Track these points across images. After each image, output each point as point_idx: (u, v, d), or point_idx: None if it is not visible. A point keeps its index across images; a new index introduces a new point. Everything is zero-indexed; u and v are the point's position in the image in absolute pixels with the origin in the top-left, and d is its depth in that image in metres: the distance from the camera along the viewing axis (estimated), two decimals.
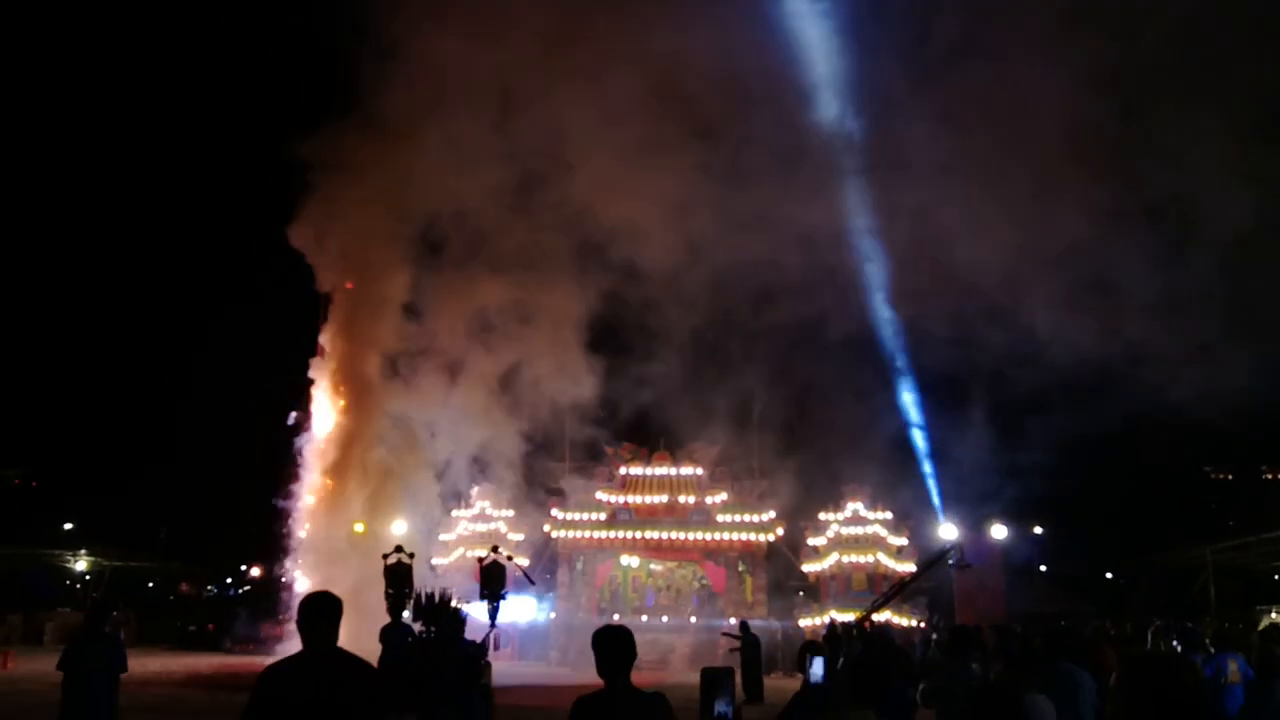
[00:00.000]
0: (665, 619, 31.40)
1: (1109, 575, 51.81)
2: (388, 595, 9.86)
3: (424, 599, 9.00)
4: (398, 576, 9.97)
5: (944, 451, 30.41)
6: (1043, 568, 46.47)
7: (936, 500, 30.70)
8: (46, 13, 63.62)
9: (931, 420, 31.27)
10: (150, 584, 45.71)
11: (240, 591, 48.92)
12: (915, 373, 31.34)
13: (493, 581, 9.85)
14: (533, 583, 10.46)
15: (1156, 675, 3.34)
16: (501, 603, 9.90)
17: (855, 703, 5.16)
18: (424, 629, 8.55)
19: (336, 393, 31.70)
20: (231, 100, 71.52)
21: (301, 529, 31.24)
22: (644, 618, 30.77)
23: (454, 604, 8.64)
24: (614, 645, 4.66)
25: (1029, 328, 29.73)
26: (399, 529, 31.32)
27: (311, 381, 32.37)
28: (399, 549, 10.16)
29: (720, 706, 5.05)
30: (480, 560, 10.24)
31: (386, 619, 9.86)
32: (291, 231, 30.77)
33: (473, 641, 8.12)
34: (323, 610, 4.57)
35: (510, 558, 10.87)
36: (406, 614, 9.85)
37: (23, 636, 33.74)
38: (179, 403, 52.55)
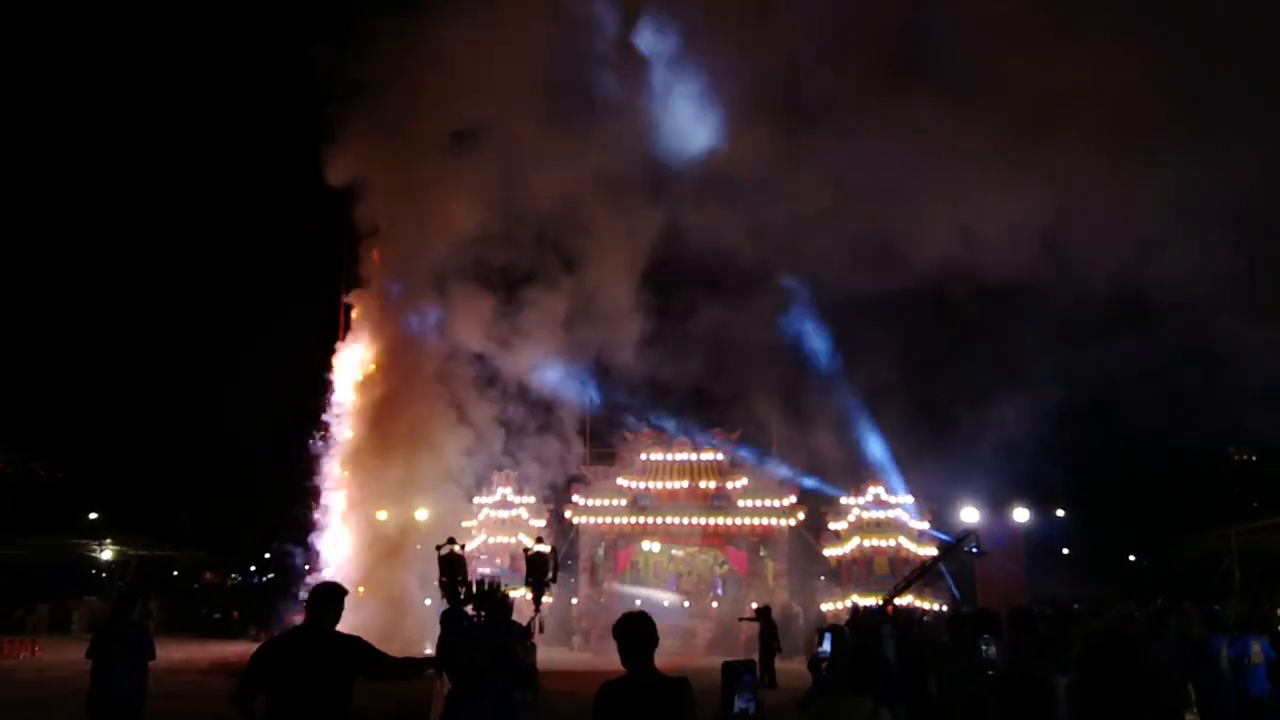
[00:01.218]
0: (687, 604, 31.50)
1: (1131, 558, 51.50)
2: (442, 583, 10.60)
3: (475, 586, 9.93)
4: (451, 565, 10.75)
5: (967, 433, 30.18)
6: (1065, 550, 46.21)
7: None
8: None
9: (953, 402, 31.05)
10: (175, 572, 46.14)
11: (264, 579, 49.31)
12: (938, 355, 31.13)
13: (538, 570, 10.90)
14: (554, 580, 11.42)
15: (1113, 653, 3.30)
16: (545, 589, 10.93)
17: (854, 690, 5.08)
18: (476, 613, 9.33)
19: (375, 334, 30.32)
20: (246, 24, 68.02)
21: (329, 511, 31.04)
22: (666, 603, 30.89)
23: (502, 589, 9.49)
24: (635, 631, 4.69)
25: (1050, 308, 29.46)
26: (421, 515, 31.43)
27: (337, 345, 31.40)
28: (451, 540, 10.99)
29: (741, 703, 5.00)
30: (526, 550, 11.35)
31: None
32: (328, 165, 28.87)
33: (519, 624, 9.01)
34: (328, 597, 5.45)
35: (554, 550, 12.01)
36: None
37: (50, 625, 34.19)
38: (202, 386, 52.66)
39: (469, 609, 9.62)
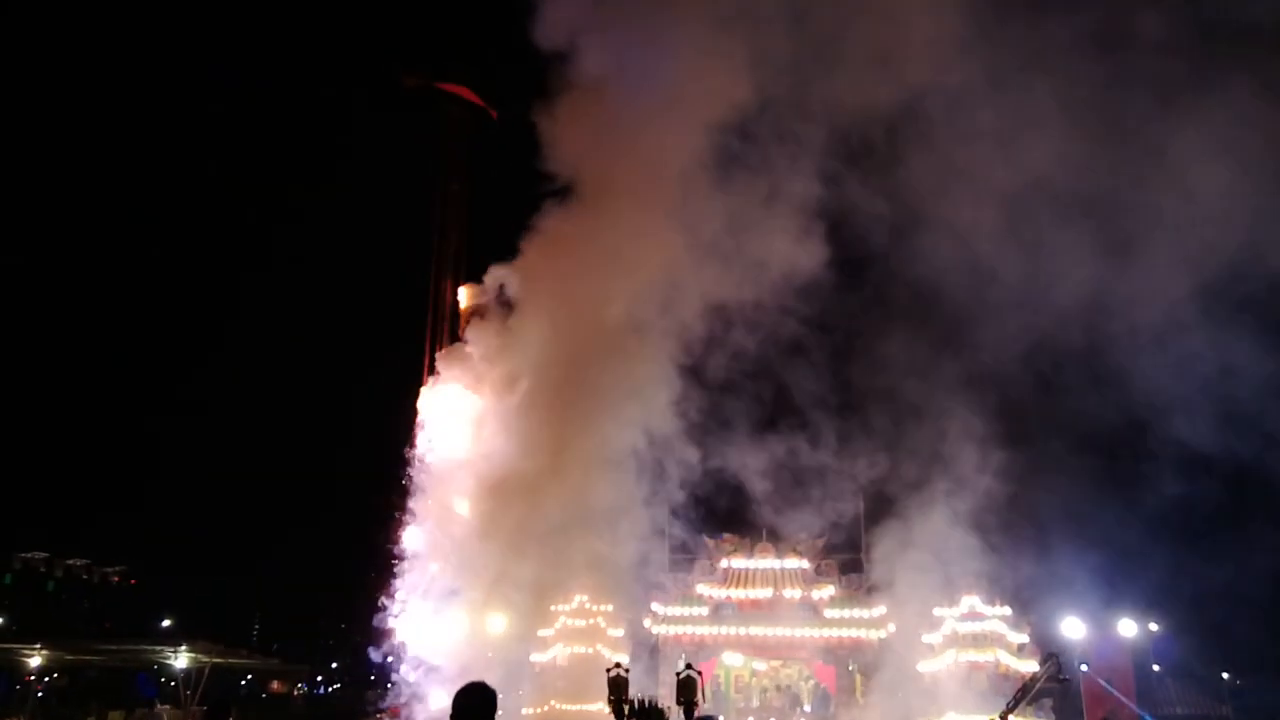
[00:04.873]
0: None
1: (1225, 675, 48.64)
2: (611, 702, 12.81)
3: (637, 704, 12.17)
4: (618, 686, 12.89)
5: (1068, 543, 28.94)
6: (1155, 666, 43.87)
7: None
8: None
9: (1053, 510, 29.87)
10: (243, 681, 45.56)
11: (331, 689, 48.51)
12: (1034, 459, 30.09)
13: (687, 691, 13.09)
14: (704, 699, 13.92)
15: None
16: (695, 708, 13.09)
17: None
18: None
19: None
20: None
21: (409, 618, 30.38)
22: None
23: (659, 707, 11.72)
24: None
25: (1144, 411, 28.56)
26: (497, 626, 30.74)
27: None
28: (618, 665, 13.12)
29: None
30: (678, 675, 13.86)
31: None
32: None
33: None
34: (477, 706, 4.98)
35: (700, 673, 14.01)
36: None
37: None
38: (277, 484, 52.62)
39: None
